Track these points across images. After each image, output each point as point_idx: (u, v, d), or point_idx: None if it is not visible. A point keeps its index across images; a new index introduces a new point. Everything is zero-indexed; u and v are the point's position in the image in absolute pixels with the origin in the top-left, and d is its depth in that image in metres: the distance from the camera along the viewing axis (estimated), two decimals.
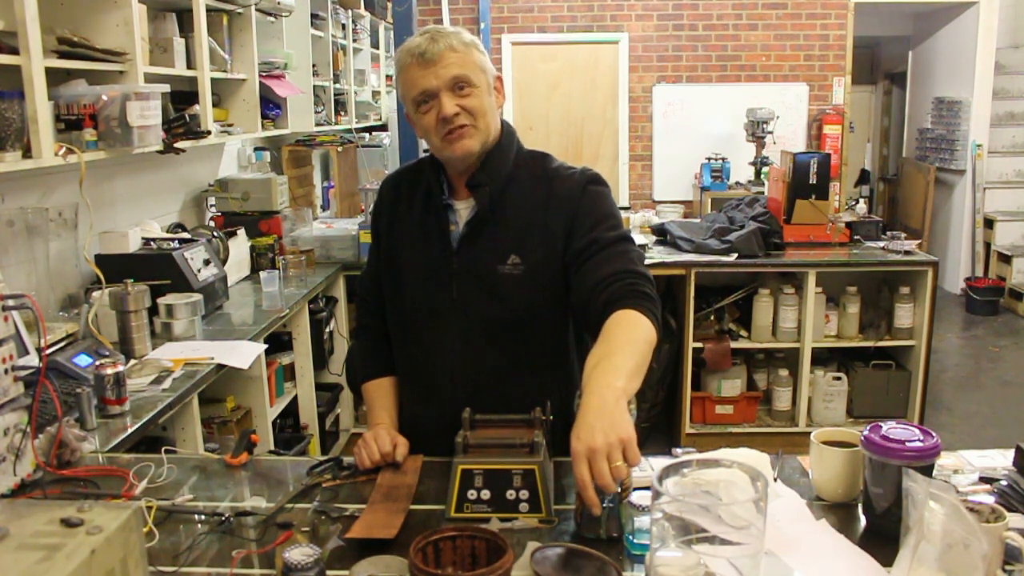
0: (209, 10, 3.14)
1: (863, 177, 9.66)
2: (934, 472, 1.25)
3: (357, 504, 1.37)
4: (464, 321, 1.55)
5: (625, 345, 1.33)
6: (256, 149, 4.19)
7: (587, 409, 1.20)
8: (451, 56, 1.46)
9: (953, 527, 1.03)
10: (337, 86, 4.90)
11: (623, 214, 4.41)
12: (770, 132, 5.94)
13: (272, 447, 2.94)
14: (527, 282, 1.53)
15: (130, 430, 1.83)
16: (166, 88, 2.72)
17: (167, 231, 3.12)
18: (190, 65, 3.02)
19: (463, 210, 1.58)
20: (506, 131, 1.59)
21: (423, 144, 4.41)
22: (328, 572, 1.11)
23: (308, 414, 3.46)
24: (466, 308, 1.55)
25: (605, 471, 1.13)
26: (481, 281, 1.54)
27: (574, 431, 1.18)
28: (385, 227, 1.66)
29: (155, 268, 2.63)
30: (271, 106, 3.88)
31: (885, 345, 4.00)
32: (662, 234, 4.20)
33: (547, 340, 1.60)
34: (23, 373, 1.40)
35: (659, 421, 4.18)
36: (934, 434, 1.24)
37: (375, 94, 5.96)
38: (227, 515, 1.33)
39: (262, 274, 3.26)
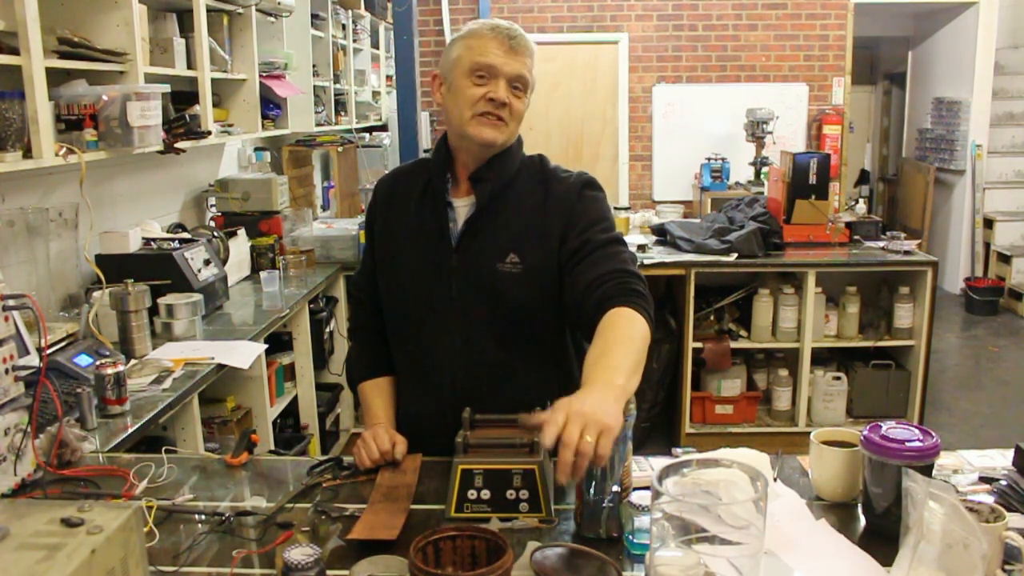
0: (209, 10, 3.14)
1: (863, 177, 9.67)
2: (934, 472, 1.25)
3: (357, 504, 1.38)
4: (463, 319, 1.56)
5: (623, 342, 1.33)
6: (256, 149, 4.20)
7: (586, 391, 1.21)
8: (527, 58, 1.53)
9: (953, 527, 1.03)
10: (337, 86, 4.90)
11: (623, 214, 4.45)
12: (770, 132, 5.94)
13: (272, 447, 2.94)
14: (526, 281, 1.54)
15: (130, 430, 1.83)
16: (166, 88, 2.72)
17: (167, 231, 3.12)
18: (190, 65, 3.02)
19: (462, 208, 1.59)
20: (517, 138, 1.62)
21: (423, 144, 4.42)
22: (328, 572, 1.11)
23: (308, 414, 3.46)
24: (465, 306, 1.56)
25: (573, 435, 1.11)
26: (480, 279, 1.55)
27: (566, 399, 1.18)
28: (380, 226, 1.67)
29: (155, 268, 2.63)
30: (271, 106, 3.88)
31: (885, 345, 4.00)
32: (662, 234, 4.20)
33: (546, 338, 1.61)
34: (24, 373, 1.40)
35: (659, 421, 4.18)
36: (934, 434, 1.24)
37: (375, 94, 5.97)
38: (227, 515, 1.33)
39: (262, 274, 3.26)
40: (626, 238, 1.85)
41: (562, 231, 1.54)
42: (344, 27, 5.09)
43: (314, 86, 4.42)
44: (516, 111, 1.52)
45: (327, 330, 3.66)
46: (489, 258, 1.54)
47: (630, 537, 1.23)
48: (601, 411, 1.15)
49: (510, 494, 1.31)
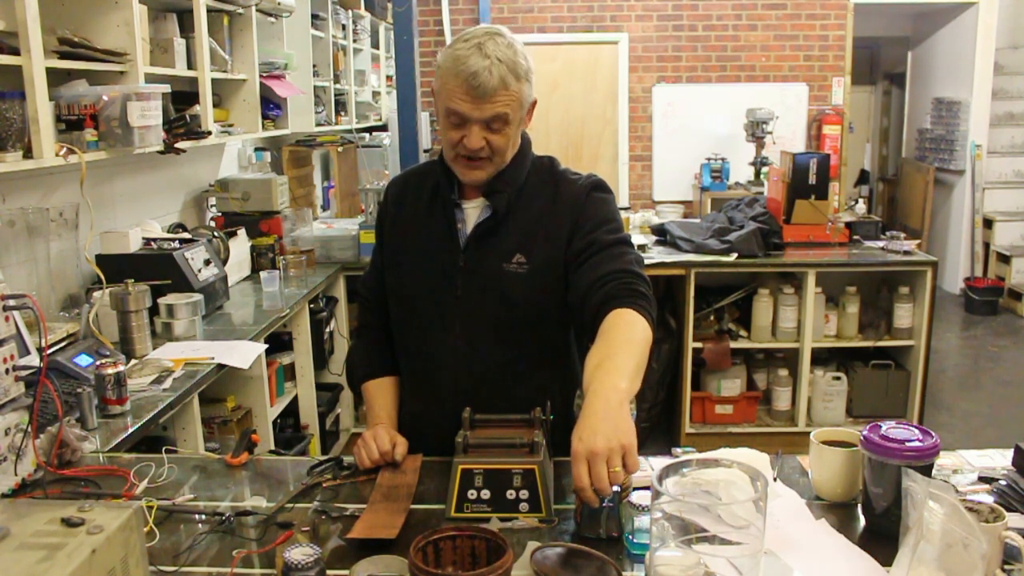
0: (210, 10, 3.14)
1: (862, 177, 9.67)
2: (933, 472, 1.25)
3: (357, 504, 1.38)
4: (468, 319, 1.56)
5: (625, 345, 1.33)
6: (256, 149, 4.20)
7: (591, 411, 1.20)
8: (502, 95, 1.43)
9: (952, 527, 1.03)
10: (337, 86, 4.90)
11: (623, 214, 4.44)
12: (770, 132, 5.94)
13: (272, 447, 2.94)
14: (531, 282, 1.54)
15: (131, 430, 1.84)
16: (167, 88, 2.72)
17: (168, 231, 3.12)
18: (191, 65, 3.02)
19: (471, 209, 1.59)
20: (524, 142, 1.60)
21: (423, 144, 4.41)
22: (328, 572, 1.11)
23: (308, 414, 3.46)
24: (470, 306, 1.56)
25: (603, 475, 1.14)
26: (486, 280, 1.55)
27: (576, 431, 1.19)
28: (389, 227, 1.67)
29: (156, 268, 2.63)
30: (271, 106, 3.88)
31: (885, 345, 4.00)
32: (662, 234, 4.20)
33: (549, 340, 1.61)
34: (24, 373, 1.40)
35: (659, 421, 4.18)
36: (933, 434, 1.24)
37: (375, 94, 5.97)
38: (227, 515, 1.33)
39: (262, 274, 3.26)
40: None
41: (569, 232, 1.54)
42: (344, 27, 5.09)
43: (314, 86, 4.42)
44: (497, 147, 1.49)
45: (327, 330, 3.66)
46: (496, 259, 1.55)
47: (630, 537, 1.23)
48: (613, 432, 1.16)
49: (510, 494, 1.31)
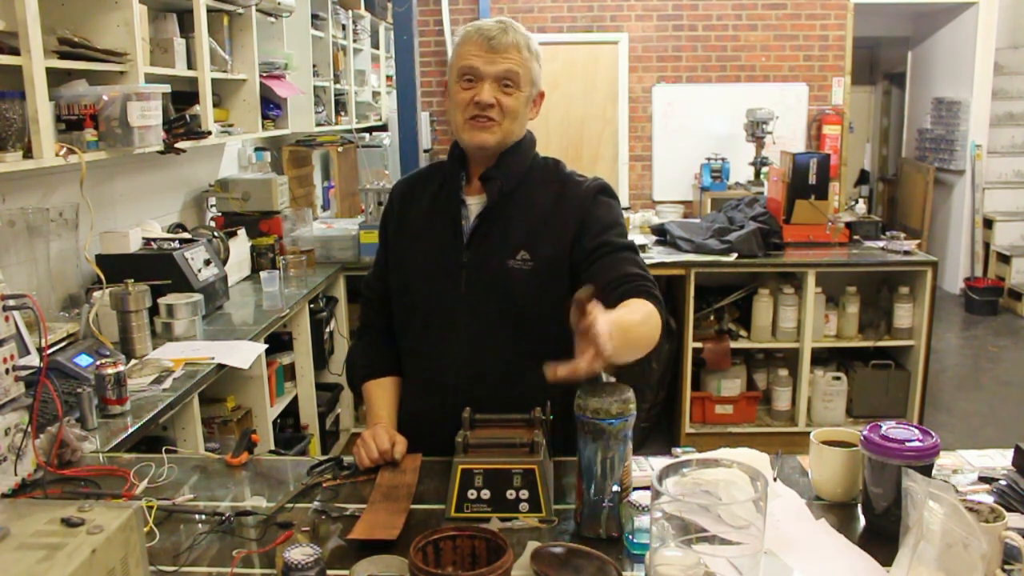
0: (210, 10, 3.14)
1: (863, 177, 9.68)
2: (933, 472, 1.25)
3: (357, 504, 1.38)
4: (471, 316, 1.57)
5: (638, 314, 1.38)
6: (256, 149, 4.20)
7: (632, 321, 1.30)
8: (514, 54, 1.51)
9: (952, 527, 1.03)
10: (337, 86, 4.90)
11: (623, 214, 4.45)
12: (770, 132, 5.93)
13: (272, 447, 2.94)
14: (535, 278, 1.54)
15: (131, 430, 1.84)
16: (167, 88, 2.72)
17: (168, 231, 3.12)
18: (191, 65, 3.02)
19: (474, 205, 1.60)
20: (528, 137, 1.64)
21: (423, 144, 4.41)
22: (328, 572, 1.11)
23: (308, 414, 3.46)
24: (474, 303, 1.56)
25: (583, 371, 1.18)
26: (490, 276, 1.56)
27: (604, 327, 1.18)
28: (394, 227, 1.69)
29: (156, 268, 2.63)
30: (271, 106, 3.88)
31: (885, 345, 4.00)
32: (662, 234, 4.20)
33: (551, 337, 1.60)
34: (24, 373, 1.40)
35: (659, 421, 4.19)
36: (933, 434, 1.24)
37: (375, 94, 5.97)
38: (227, 515, 1.33)
39: (262, 274, 3.26)
40: None
41: (576, 232, 1.55)
42: (344, 27, 5.09)
43: (314, 86, 4.42)
44: (508, 108, 1.53)
45: (327, 330, 3.66)
46: (500, 255, 1.55)
47: (630, 537, 1.23)
48: (621, 355, 1.21)
49: (510, 494, 1.31)
